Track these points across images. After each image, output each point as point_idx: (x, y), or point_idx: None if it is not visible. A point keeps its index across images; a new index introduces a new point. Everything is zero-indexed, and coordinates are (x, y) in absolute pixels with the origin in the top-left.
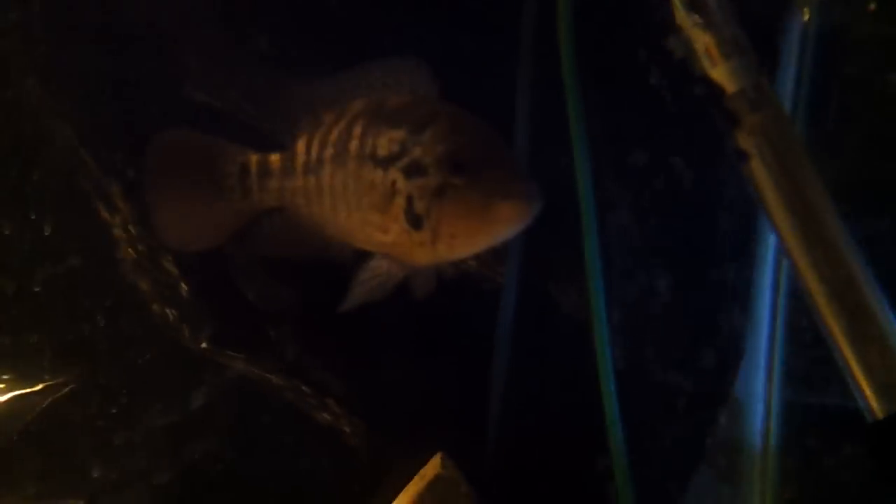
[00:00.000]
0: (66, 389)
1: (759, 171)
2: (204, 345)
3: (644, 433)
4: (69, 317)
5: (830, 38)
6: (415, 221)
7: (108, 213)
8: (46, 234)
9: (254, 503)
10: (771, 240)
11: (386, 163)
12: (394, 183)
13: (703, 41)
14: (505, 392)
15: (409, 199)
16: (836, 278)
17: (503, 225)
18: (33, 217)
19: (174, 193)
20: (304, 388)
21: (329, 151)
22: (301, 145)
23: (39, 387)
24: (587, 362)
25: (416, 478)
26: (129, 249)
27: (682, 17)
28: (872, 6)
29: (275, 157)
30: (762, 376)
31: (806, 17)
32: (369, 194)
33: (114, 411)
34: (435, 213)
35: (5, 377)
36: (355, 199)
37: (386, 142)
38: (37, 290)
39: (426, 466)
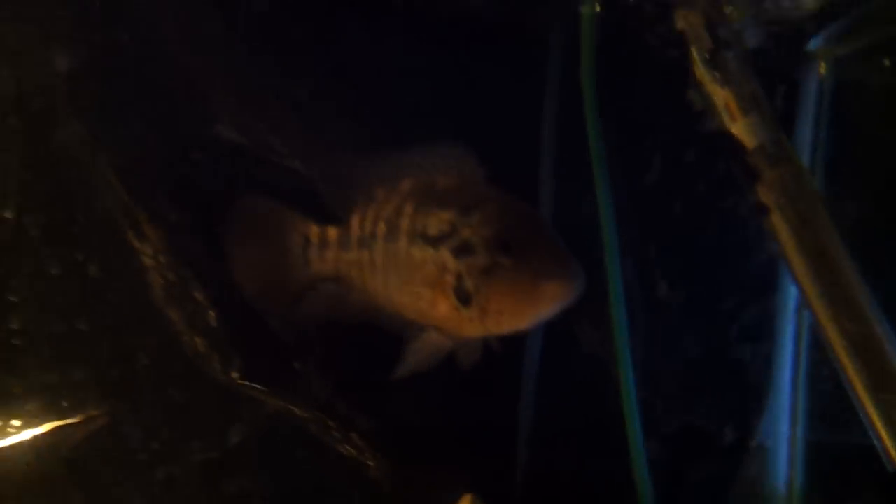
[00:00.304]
0: (105, 420)
1: (780, 225)
2: (235, 375)
3: (670, 475)
4: (113, 354)
5: (847, 92)
6: (464, 298)
7: (139, 242)
8: (92, 274)
9: None
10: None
11: (436, 241)
12: (444, 261)
13: (722, 96)
14: (532, 431)
15: (459, 277)
16: (857, 333)
17: (548, 303)
18: (80, 258)
19: (250, 258)
20: (329, 421)
21: (382, 228)
22: (356, 220)
23: (79, 418)
24: (612, 402)
25: None
26: (160, 278)
27: (702, 72)
28: (887, 62)
29: (332, 231)
30: (786, 419)
31: (822, 72)
32: (420, 271)
33: (155, 446)
34: (483, 290)
35: (50, 412)
36: (407, 274)
37: (436, 222)
38: (82, 328)
39: None
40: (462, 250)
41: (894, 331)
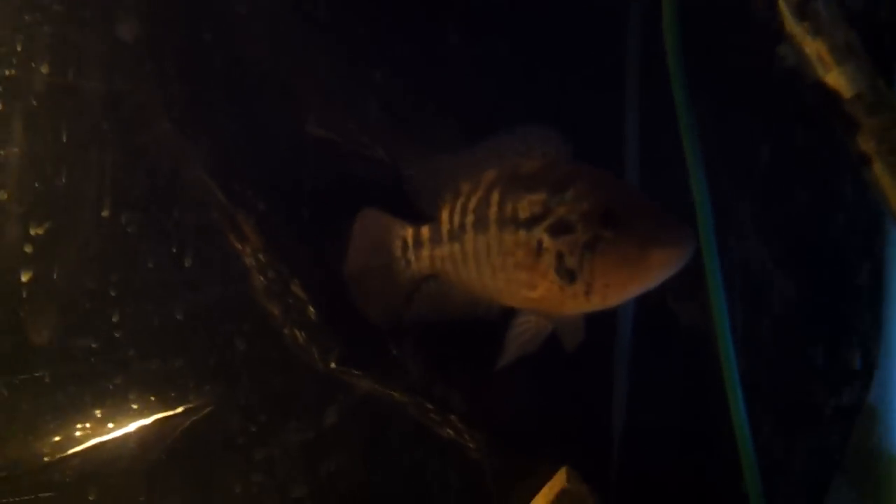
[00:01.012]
0: (207, 411)
1: (882, 175)
2: (333, 365)
3: (775, 445)
4: (210, 342)
5: None
6: (567, 276)
7: (240, 243)
8: (186, 265)
9: None
10: None
11: (529, 224)
12: (540, 242)
13: (814, 48)
14: (627, 405)
15: (560, 256)
16: None
17: (659, 270)
18: (174, 251)
19: (365, 272)
20: (427, 404)
21: (470, 219)
22: (445, 215)
23: (181, 409)
24: (711, 374)
25: (544, 490)
26: (260, 276)
27: (792, 25)
28: None
29: (425, 229)
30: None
31: None
32: (514, 255)
33: (253, 429)
34: (588, 266)
35: (152, 399)
36: (500, 261)
37: (526, 205)
38: (179, 317)
39: (552, 480)
40: (559, 229)
41: None
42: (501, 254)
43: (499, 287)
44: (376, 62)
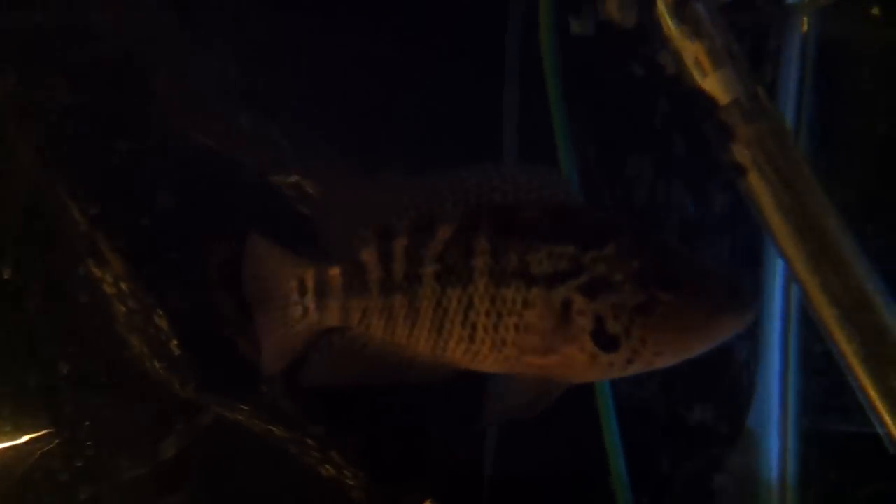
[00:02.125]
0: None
1: (758, 186)
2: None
3: (653, 471)
4: (31, 364)
5: (832, 48)
6: (608, 343)
7: (99, 268)
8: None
9: None
10: (779, 262)
11: (549, 281)
12: (568, 303)
13: (692, 51)
14: (499, 437)
15: (599, 320)
16: (848, 299)
17: (720, 337)
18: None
19: (259, 310)
20: (307, 440)
21: (430, 269)
22: (372, 258)
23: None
24: (585, 404)
25: None
26: (121, 306)
27: (670, 27)
28: (876, 10)
29: (334, 273)
30: (776, 406)
31: (804, 28)
32: (521, 316)
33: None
34: (637, 331)
35: None
36: (491, 321)
37: (545, 258)
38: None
39: None
40: (597, 289)
41: (891, 295)
42: (497, 313)
43: (478, 351)
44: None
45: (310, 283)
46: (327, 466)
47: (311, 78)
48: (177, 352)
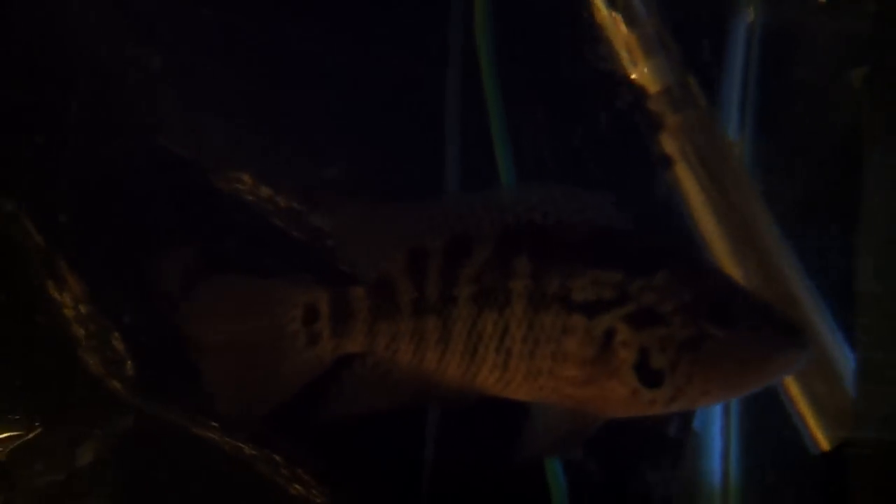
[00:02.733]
0: None
1: (685, 176)
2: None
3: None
4: None
5: (778, 38)
6: (651, 377)
7: (58, 291)
8: None
9: None
10: None
11: (592, 309)
12: (611, 333)
13: (624, 39)
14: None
15: (644, 353)
16: (771, 293)
17: (773, 378)
18: None
19: (226, 352)
20: (276, 457)
21: (468, 289)
22: (402, 279)
23: None
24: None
25: None
26: (79, 328)
27: (603, 14)
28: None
29: (359, 293)
30: (719, 411)
31: (751, 18)
32: (560, 343)
33: None
34: (685, 368)
35: None
36: (526, 348)
37: (589, 284)
38: None
39: None
40: (644, 320)
41: (818, 290)
42: (534, 340)
43: (511, 379)
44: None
45: (324, 308)
46: (296, 486)
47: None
48: (132, 372)
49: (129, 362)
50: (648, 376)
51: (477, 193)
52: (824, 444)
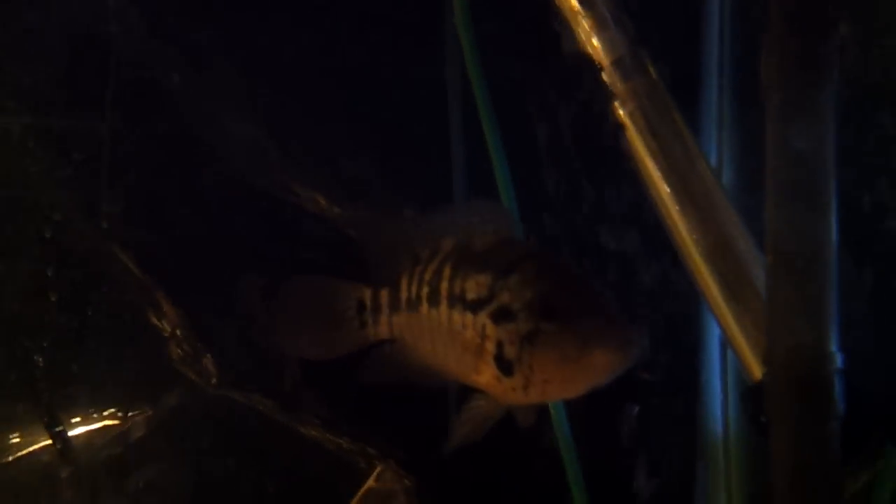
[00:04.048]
0: None
1: (634, 140)
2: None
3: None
4: None
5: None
6: (505, 367)
7: (157, 318)
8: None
9: None
10: None
11: (475, 307)
12: (483, 327)
13: (578, 16)
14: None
15: (500, 345)
16: (710, 241)
17: (600, 372)
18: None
19: (301, 324)
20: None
21: (425, 290)
22: (404, 282)
23: None
24: None
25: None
26: (177, 350)
27: None
28: None
29: (384, 293)
30: (717, 359)
31: None
32: (462, 336)
33: None
34: (526, 359)
35: None
36: (450, 339)
37: (474, 285)
38: None
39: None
40: (501, 316)
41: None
42: (451, 332)
43: (450, 365)
44: None
45: (368, 303)
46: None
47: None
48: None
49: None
50: (504, 366)
51: (440, 212)
52: (756, 376)
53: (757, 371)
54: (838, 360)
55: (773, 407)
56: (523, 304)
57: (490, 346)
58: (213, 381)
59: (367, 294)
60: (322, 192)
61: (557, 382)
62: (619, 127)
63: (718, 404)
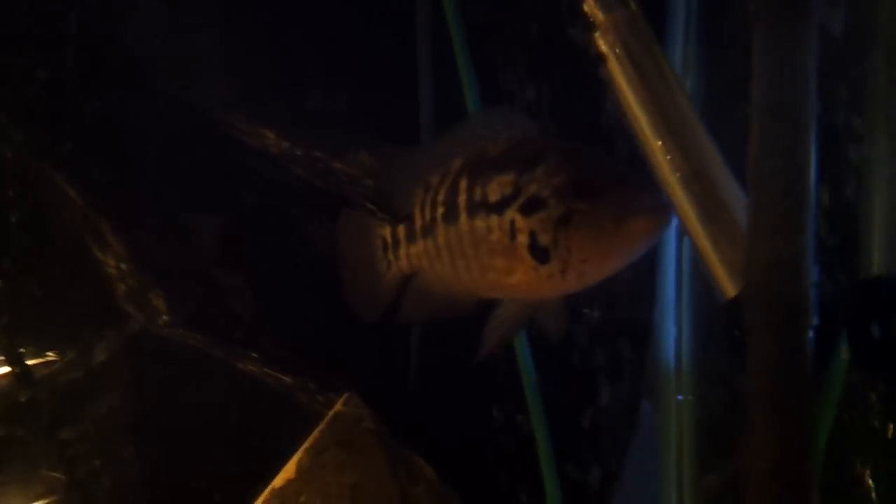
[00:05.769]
0: None
1: (615, 70)
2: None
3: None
4: None
5: None
6: (541, 255)
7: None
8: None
9: None
10: None
11: (500, 207)
12: (512, 223)
13: None
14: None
15: (532, 235)
16: (689, 168)
17: (636, 241)
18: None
19: (351, 271)
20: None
21: (440, 211)
22: (417, 211)
23: None
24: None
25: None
26: (121, 284)
27: None
28: None
29: (400, 228)
30: (672, 299)
31: None
32: (487, 241)
33: None
34: (563, 242)
35: None
36: (472, 250)
37: (496, 187)
38: None
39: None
40: (531, 207)
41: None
42: (474, 242)
43: (474, 278)
44: None
45: (389, 240)
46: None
47: None
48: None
49: (165, 317)
50: (539, 254)
51: (448, 134)
52: (729, 292)
53: (731, 289)
54: (814, 273)
55: (754, 317)
56: (552, 190)
57: (522, 239)
58: (164, 318)
59: (387, 231)
60: (272, 127)
61: (595, 259)
62: (601, 58)
63: (672, 341)
